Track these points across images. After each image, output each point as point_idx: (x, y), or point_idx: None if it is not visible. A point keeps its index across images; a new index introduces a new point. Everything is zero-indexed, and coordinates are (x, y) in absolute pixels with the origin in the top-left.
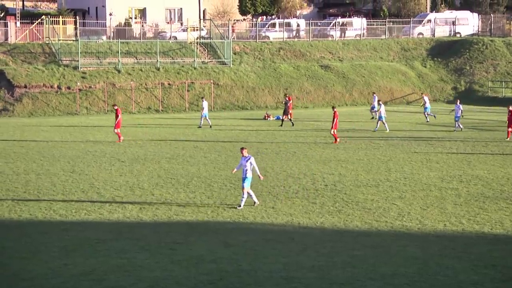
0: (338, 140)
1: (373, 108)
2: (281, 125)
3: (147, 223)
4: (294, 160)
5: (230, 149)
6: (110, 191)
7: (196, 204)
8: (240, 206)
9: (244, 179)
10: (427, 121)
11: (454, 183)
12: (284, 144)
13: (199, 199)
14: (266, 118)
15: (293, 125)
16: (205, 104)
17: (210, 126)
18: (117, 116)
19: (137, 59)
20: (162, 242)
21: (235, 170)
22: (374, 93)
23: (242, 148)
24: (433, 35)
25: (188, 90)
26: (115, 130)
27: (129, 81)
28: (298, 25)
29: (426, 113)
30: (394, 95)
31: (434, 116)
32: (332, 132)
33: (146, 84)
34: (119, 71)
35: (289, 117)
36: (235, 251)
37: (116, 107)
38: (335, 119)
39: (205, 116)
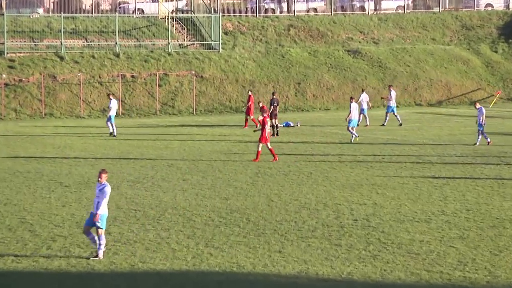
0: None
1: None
2: (277, 134)
3: (101, 274)
4: (309, 184)
5: (220, 169)
6: (49, 228)
7: (171, 246)
8: (97, 256)
9: (93, 216)
10: (383, 124)
11: None
12: (296, 161)
13: (175, 239)
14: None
15: (277, 135)
16: (113, 103)
17: (111, 134)
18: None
19: (87, 41)
20: None
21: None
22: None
23: (101, 172)
24: (508, 6)
25: (159, 85)
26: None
27: (76, 72)
28: None
29: (388, 113)
30: (452, 92)
31: (399, 123)
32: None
33: (100, 77)
34: (61, 58)
35: (275, 123)
36: None
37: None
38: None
39: (110, 120)
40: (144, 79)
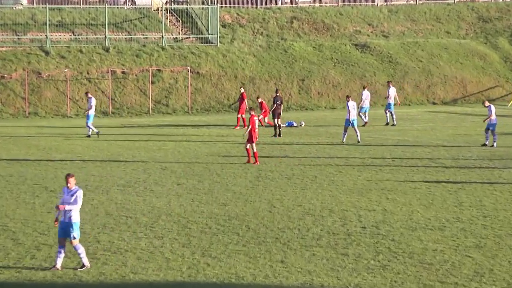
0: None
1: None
2: (279, 135)
3: (90, 285)
4: (314, 188)
5: (218, 172)
6: (33, 236)
7: (164, 256)
8: (84, 266)
9: (65, 225)
10: (394, 124)
11: None
12: (299, 164)
13: (169, 248)
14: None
15: (279, 135)
16: (94, 102)
17: (88, 136)
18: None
19: (74, 35)
20: None
21: (57, 221)
22: (389, 82)
23: (68, 176)
24: None
25: (152, 82)
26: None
27: (63, 68)
28: None
29: (388, 111)
30: (468, 89)
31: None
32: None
33: (88, 73)
34: (47, 53)
35: (278, 123)
36: None
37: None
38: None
39: (88, 120)
40: (136, 75)
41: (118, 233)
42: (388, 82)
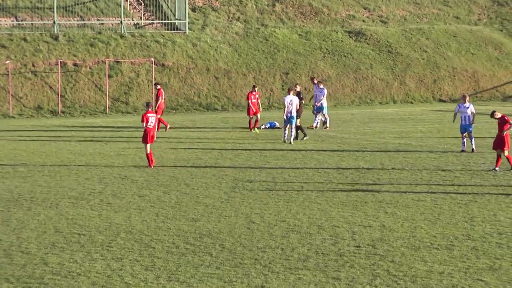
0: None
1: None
2: (296, 138)
3: None
4: (300, 201)
5: (186, 182)
6: None
7: (124, 280)
8: None
9: None
10: (325, 127)
11: None
12: (283, 172)
13: (130, 271)
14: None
15: (296, 138)
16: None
17: None
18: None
19: (17, 20)
20: None
21: None
22: (313, 78)
23: None
24: None
25: (109, 76)
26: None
27: (3, 60)
28: None
29: (322, 114)
30: (480, 84)
31: (323, 123)
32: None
33: (34, 65)
34: None
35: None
36: None
37: None
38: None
39: None
40: (90, 68)
41: (69, 253)
42: (312, 78)
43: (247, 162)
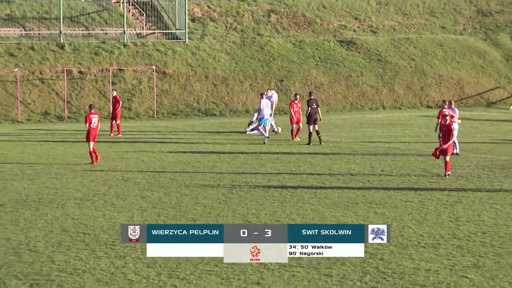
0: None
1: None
2: (308, 143)
3: None
4: (294, 201)
5: (186, 184)
6: None
7: (127, 277)
8: None
9: None
10: (273, 133)
11: None
12: (278, 174)
13: (132, 268)
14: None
15: (308, 144)
16: None
17: None
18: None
19: (25, 30)
20: None
21: None
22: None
23: None
24: None
25: (113, 83)
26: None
27: (12, 68)
28: None
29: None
30: (465, 91)
31: (274, 130)
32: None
33: (41, 73)
34: None
35: (311, 129)
36: None
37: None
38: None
39: None
40: (95, 75)
41: (75, 251)
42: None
43: (243, 165)
